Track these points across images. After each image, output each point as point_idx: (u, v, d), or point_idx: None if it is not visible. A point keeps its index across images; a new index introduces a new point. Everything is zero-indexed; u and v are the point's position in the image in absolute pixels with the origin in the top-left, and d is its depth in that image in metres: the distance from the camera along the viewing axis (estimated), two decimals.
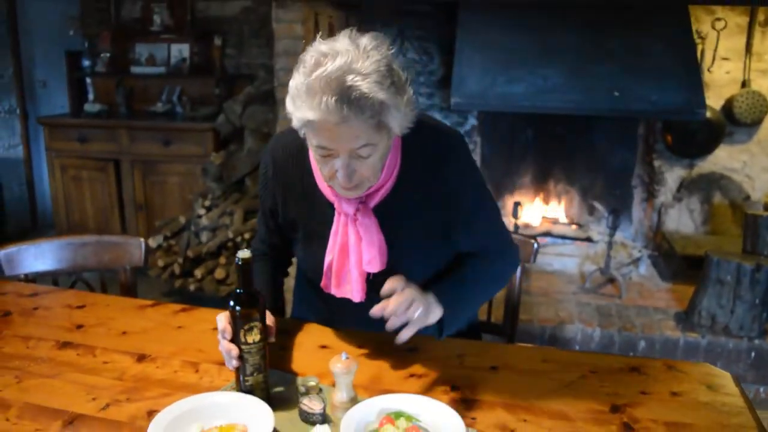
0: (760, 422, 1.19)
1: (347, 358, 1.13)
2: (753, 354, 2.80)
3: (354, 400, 1.14)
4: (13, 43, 4.63)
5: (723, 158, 3.51)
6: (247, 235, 3.29)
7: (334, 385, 1.17)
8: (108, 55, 4.52)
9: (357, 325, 1.43)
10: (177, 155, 4.01)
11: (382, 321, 1.26)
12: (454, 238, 1.38)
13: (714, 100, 3.41)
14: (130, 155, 4.08)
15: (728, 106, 3.37)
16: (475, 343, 1.41)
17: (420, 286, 1.29)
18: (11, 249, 1.85)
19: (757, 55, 3.33)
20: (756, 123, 3.39)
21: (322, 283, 1.38)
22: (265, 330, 1.15)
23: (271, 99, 3.35)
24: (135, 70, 4.49)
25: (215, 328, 1.48)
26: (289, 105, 1.14)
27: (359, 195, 1.26)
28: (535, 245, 1.83)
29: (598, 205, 3.83)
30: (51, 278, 1.91)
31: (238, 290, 1.14)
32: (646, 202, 3.72)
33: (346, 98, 1.05)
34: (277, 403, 1.17)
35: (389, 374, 1.31)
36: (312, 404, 1.11)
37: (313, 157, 1.28)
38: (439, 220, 1.35)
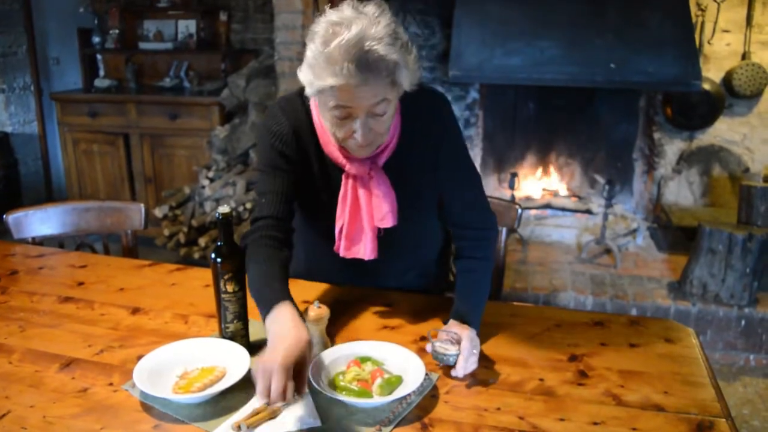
0: (712, 372, 1.26)
1: (319, 306, 1.21)
2: (743, 322, 2.85)
3: (326, 346, 1.22)
4: (26, 20, 4.71)
5: (723, 131, 3.52)
6: (248, 205, 3.38)
7: None
8: (117, 31, 4.59)
9: (361, 282, 1.53)
10: (184, 129, 4.10)
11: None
12: (444, 198, 1.46)
13: (714, 73, 3.41)
14: (139, 129, 4.18)
15: (728, 79, 3.37)
16: (448, 299, 1.49)
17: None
18: (19, 213, 1.95)
19: (758, 27, 3.32)
20: (756, 95, 3.38)
21: (335, 247, 1.44)
22: (243, 280, 1.24)
23: (273, 73, 3.41)
24: (143, 46, 4.56)
25: (206, 285, 1.59)
26: (308, 74, 1.21)
27: (371, 153, 1.34)
28: (519, 210, 1.89)
29: (598, 178, 3.86)
30: (57, 242, 2.01)
31: (219, 243, 1.22)
32: (646, 174, 3.75)
33: (365, 62, 1.15)
34: (256, 349, 1.26)
35: (364, 326, 1.39)
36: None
37: (321, 123, 1.35)
38: (434, 176, 1.43)
